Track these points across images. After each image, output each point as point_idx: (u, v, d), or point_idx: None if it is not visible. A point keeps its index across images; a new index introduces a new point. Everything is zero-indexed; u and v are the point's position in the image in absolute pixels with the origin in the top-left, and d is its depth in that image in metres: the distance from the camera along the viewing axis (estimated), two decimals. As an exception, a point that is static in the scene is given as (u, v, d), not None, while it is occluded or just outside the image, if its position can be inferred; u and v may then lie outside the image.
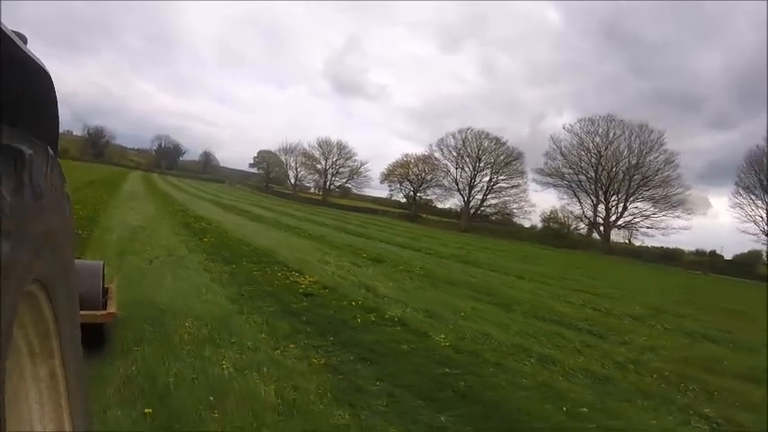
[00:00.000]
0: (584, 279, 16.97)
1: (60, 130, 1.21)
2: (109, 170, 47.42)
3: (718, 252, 53.41)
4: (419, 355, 4.54)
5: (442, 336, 5.34)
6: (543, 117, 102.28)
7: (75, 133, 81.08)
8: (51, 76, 1.05)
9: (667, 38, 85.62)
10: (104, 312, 3.51)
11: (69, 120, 77.00)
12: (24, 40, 1.05)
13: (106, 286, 3.93)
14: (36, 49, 1.02)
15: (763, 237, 48.67)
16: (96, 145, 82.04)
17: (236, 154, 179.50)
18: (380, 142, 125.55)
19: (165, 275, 6.56)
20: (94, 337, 3.30)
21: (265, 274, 7.71)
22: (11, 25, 0.87)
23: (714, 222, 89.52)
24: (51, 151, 1.04)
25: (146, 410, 2.74)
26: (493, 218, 61.66)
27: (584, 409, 3.89)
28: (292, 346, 4.38)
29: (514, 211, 61.09)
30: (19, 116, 0.90)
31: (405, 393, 3.57)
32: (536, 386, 4.24)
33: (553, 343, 6.10)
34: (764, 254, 50.21)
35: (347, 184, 74.29)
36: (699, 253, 53.09)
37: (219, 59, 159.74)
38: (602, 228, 54.47)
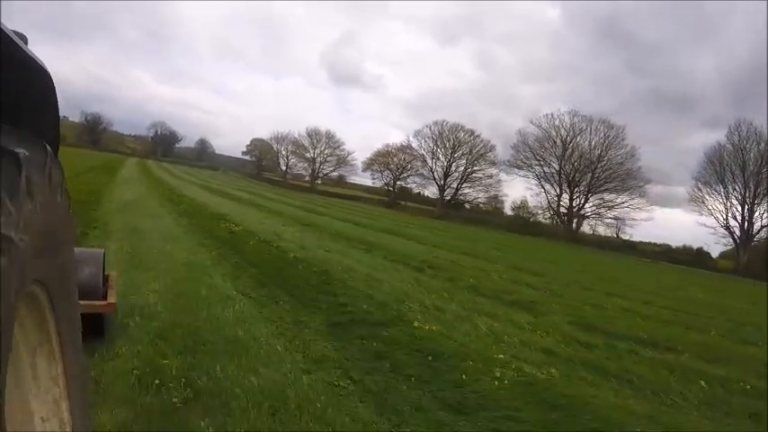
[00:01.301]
0: (489, 251, 20.76)
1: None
2: (106, 157, 51.15)
3: (705, 249, 55.99)
4: (270, 255, 8.75)
5: (297, 254, 9.46)
6: (539, 112, 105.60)
7: (71, 119, 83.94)
8: (51, 75, 1.08)
9: (664, 38, 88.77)
10: (104, 303, 3.52)
11: (66, 106, 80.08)
12: (25, 40, 1.07)
13: (106, 274, 3.96)
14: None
15: (721, 229, 52.26)
16: (93, 131, 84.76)
17: (235, 142, 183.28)
18: (376, 133, 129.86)
19: (146, 221, 10.77)
20: (94, 328, 3.27)
21: (212, 223, 11.92)
22: (11, 22, 0.87)
23: (711, 220, 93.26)
24: (51, 150, 1.07)
25: (126, 249, 6.97)
26: (481, 207, 65.54)
27: (337, 284, 7.58)
28: (204, 248, 8.59)
29: (489, 200, 65.16)
30: (20, 116, 0.91)
31: (244, 262, 7.78)
32: (321, 273, 7.95)
33: (373, 267, 9.68)
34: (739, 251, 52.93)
35: (336, 173, 78.46)
36: (686, 249, 56.12)
37: (217, 50, 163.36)
38: (565, 217, 58.83)
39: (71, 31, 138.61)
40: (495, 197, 64.75)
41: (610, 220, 58.39)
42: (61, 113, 1.30)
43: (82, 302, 1.56)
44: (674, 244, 57.62)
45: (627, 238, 58.45)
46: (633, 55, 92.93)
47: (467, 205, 66.39)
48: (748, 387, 5.89)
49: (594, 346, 6.65)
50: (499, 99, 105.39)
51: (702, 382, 5.81)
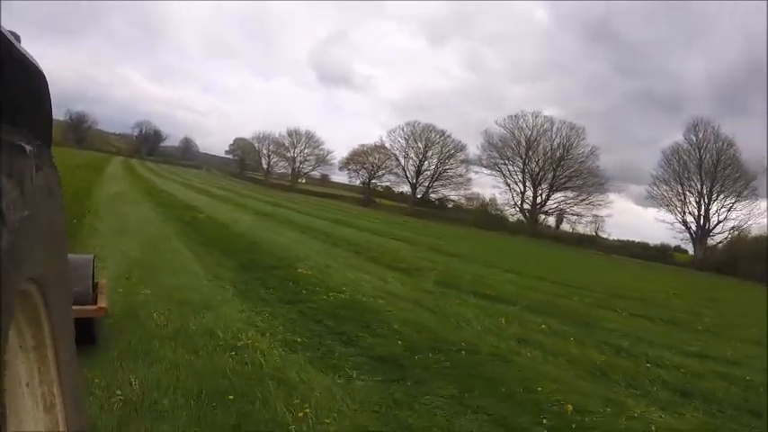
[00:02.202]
0: (427, 239, 23.65)
1: None
2: (91, 155, 52.82)
3: (682, 247, 59.17)
4: (220, 232, 11.99)
5: (240, 231, 12.74)
6: (528, 113, 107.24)
7: (56, 117, 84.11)
8: (45, 75, 1.11)
9: (653, 39, 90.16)
10: (95, 307, 3.66)
11: (53, 104, 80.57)
12: (18, 39, 1.08)
13: (96, 281, 4.10)
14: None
15: (678, 225, 55.81)
16: (78, 130, 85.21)
17: (227, 139, 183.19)
18: (365, 134, 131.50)
19: (126, 207, 14.02)
20: (84, 333, 3.31)
21: (182, 212, 15.15)
22: (2, 19, 0.90)
23: (670, 216, 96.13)
24: (46, 150, 1.09)
25: (113, 225, 10.27)
26: (462, 205, 68.68)
27: (258, 248, 11.25)
28: (170, 227, 11.86)
29: (469, 199, 68.50)
30: (14, 115, 0.91)
31: (198, 235, 11.01)
32: (251, 242, 11.44)
33: (296, 241, 13.11)
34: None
35: (316, 172, 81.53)
36: (662, 247, 58.72)
37: (207, 48, 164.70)
38: (528, 213, 62.68)
39: (62, 29, 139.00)
40: (465, 195, 68.29)
41: (578, 218, 61.72)
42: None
43: (73, 307, 1.53)
44: (652, 242, 60.24)
45: (606, 236, 61.62)
46: (622, 56, 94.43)
47: (449, 204, 69.53)
48: (544, 327, 6.87)
49: (432, 292, 8.24)
50: (488, 100, 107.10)
51: (503, 320, 6.86)
